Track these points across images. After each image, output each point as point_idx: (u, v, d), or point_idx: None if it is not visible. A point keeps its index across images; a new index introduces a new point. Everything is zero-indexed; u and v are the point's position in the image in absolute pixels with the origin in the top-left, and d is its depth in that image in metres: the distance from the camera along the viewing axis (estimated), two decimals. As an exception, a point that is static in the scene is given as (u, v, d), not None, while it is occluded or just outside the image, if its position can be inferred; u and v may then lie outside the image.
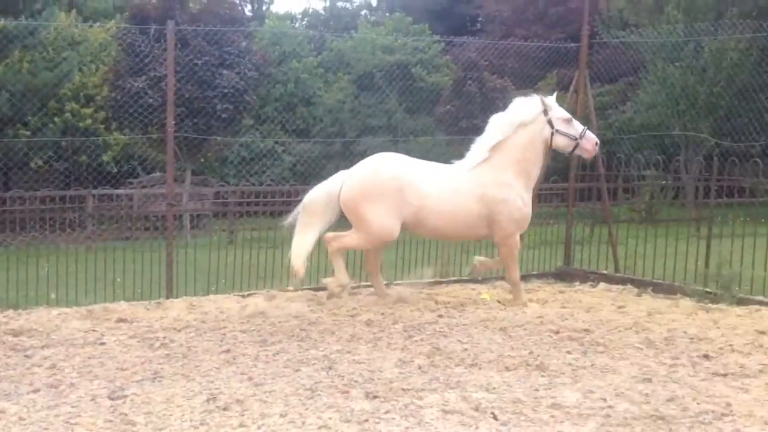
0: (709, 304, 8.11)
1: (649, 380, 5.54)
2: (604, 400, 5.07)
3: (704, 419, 4.75)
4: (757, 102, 20.21)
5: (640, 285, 9.16)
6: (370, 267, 8.45)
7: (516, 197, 7.96)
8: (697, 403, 5.04)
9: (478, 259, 8.71)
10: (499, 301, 8.35)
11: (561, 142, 8.07)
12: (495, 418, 4.72)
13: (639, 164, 12.09)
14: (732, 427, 4.62)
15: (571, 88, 10.62)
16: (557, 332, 6.94)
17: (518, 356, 6.13)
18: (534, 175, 8.13)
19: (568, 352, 6.31)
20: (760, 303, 7.99)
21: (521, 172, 7.97)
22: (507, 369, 5.82)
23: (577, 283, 9.61)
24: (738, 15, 19.98)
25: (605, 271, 9.80)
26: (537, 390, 5.28)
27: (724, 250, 8.87)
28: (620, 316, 7.61)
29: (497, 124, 8.11)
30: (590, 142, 8.08)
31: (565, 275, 10.02)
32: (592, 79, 11.35)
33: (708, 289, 8.50)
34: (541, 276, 10.04)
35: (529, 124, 8.00)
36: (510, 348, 6.41)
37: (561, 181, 11.39)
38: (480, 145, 8.11)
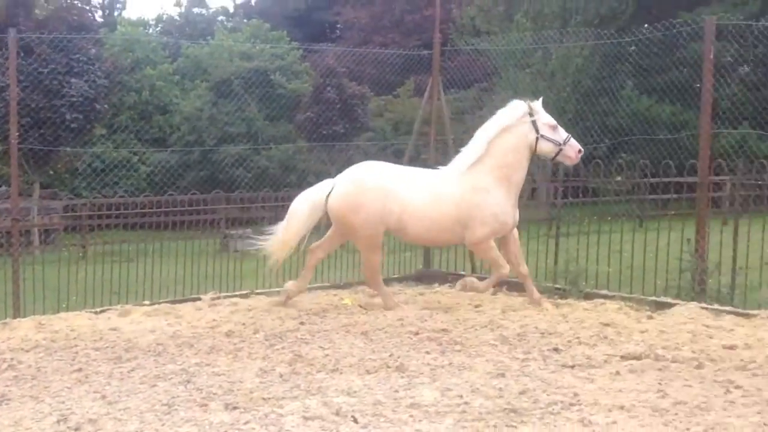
0: (559, 300, 8.48)
1: (503, 375, 5.73)
2: (461, 396, 5.21)
3: (553, 409, 4.96)
4: (601, 105, 21.37)
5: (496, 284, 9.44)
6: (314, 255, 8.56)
7: (492, 203, 7.94)
8: (547, 395, 5.26)
9: (470, 279, 8.64)
10: (360, 306, 8.42)
11: (545, 148, 8.01)
12: (355, 421, 4.77)
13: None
14: (579, 416, 4.85)
15: (426, 94, 10.86)
16: (417, 333, 7.08)
17: (379, 359, 6.21)
18: (516, 179, 8.05)
19: (427, 353, 6.44)
20: (605, 297, 8.42)
21: (502, 177, 7.96)
22: (368, 372, 5.88)
23: (437, 284, 9.82)
24: (582, 23, 21.09)
25: (463, 272, 10.07)
26: (397, 391, 5.37)
27: (571, 248, 9.31)
28: (477, 315, 7.83)
29: (483, 129, 8.14)
30: (573, 149, 7.99)
31: (425, 278, 10.22)
32: (448, 85, 11.65)
33: (557, 285, 8.90)
34: (402, 279, 10.20)
35: (514, 128, 7.98)
36: (371, 351, 6.48)
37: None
38: (465, 150, 8.18)
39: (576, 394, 5.26)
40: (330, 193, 8.11)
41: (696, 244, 8.47)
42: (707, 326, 7.14)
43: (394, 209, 7.95)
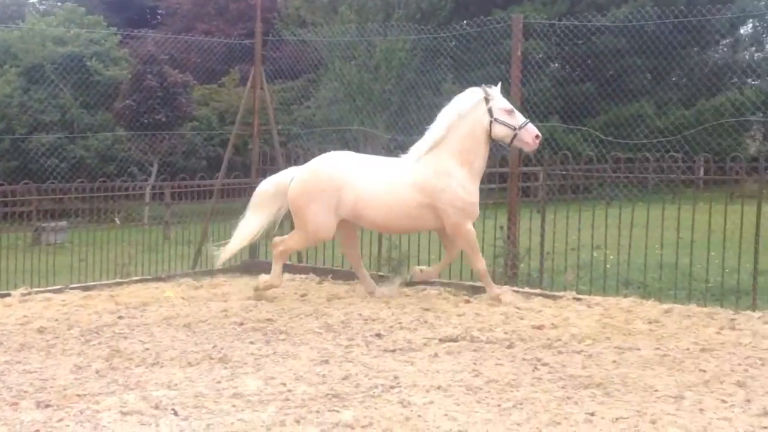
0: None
1: (327, 362, 5.83)
2: (284, 384, 5.24)
3: (374, 392, 5.10)
4: (425, 98, 22.00)
5: (322, 273, 9.55)
6: (351, 259, 8.67)
7: (457, 186, 7.83)
8: (369, 379, 5.40)
9: (420, 267, 8.59)
10: (183, 298, 8.26)
11: (499, 132, 7.88)
12: (175, 413, 4.69)
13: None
14: (398, 397, 5.02)
15: (248, 83, 10.77)
16: (241, 324, 7.05)
17: (201, 351, 6.13)
18: (477, 165, 7.96)
19: (252, 343, 6.43)
20: (426, 283, 8.72)
21: (463, 162, 7.88)
22: (190, 365, 5.80)
23: (263, 275, 9.77)
24: (404, 17, 21.60)
25: (289, 262, 10.08)
26: (219, 382, 5.32)
27: (395, 236, 9.55)
28: (302, 304, 7.90)
29: (441, 116, 8.08)
30: (530, 134, 7.84)
31: (251, 268, 10.13)
32: (274, 75, 11.60)
33: (381, 273, 9.11)
34: (227, 271, 10.07)
35: (470, 114, 7.92)
36: (193, 344, 6.39)
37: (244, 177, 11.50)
38: (424, 137, 8.10)
39: (396, 377, 5.43)
40: (291, 181, 8.21)
41: (508, 231, 8.93)
42: (518, 308, 7.57)
43: (349, 198, 7.95)
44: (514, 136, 7.85)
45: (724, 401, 5.04)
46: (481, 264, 7.96)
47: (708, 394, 5.17)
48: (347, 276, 9.22)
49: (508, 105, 7.94)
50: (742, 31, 27.56)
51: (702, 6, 15.98)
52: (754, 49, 28.29)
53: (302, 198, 8.04)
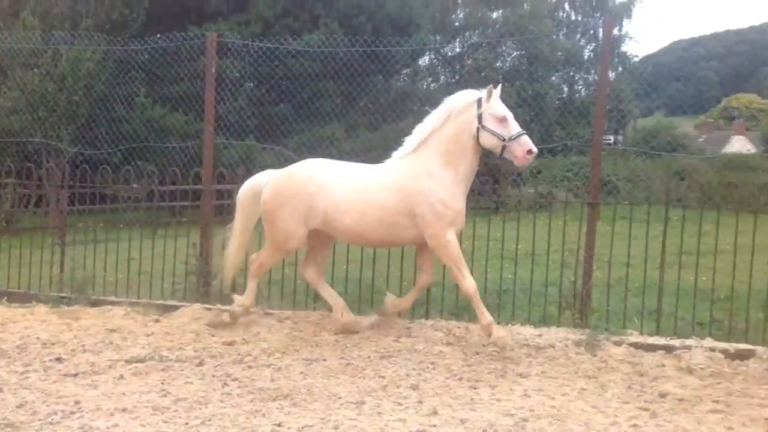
0: (64, 308, 8.22)
1: (0, 390, 5.40)
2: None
3: (53, 419, 4.83)
4: (116, 112, 21.18)
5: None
6: (308, 275, 7.76)
7: (438, 188, 6.96)
8: (47, 405, 5.10)
9: (390, 297, 7.66)
10: None
11: (487, 141, 6.99)
12: None
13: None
14: (80, 423, 4.79)
15: None
16: None
17: None
18: (463, 171, 7.05)
19: None
20: (112, 303, 8.40)
21: (448, 164, 7.03)
22: None
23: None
24: (93, 27, 20.63)
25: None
26: None
27: (79, 255, 9.08)
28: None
29: (429, 117, 7.28)
30: (522, 147, 6.85)
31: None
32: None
33: (63, 294, 8.61)
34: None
35: (458, 116, 7.08)
36: None
37: None
38: (409, 138, 7.32)
39: (78, 402, 5.18)
40: (267, 182, 7.54)
41: (201, 248, 8.89)
42: (208, 326, 7.56)
43: (320, 203, 7.21)
44: (503, 147, 6.92)
45: (399, 404, 5.46)
46: (468, 282, 6.89)
47: (386, 398, 5.57)
48: (24, 298, 8.59)
49: (501, 112, 6.97)
50: (420, 62, 30.01)
51: (386, 37, 17.18)
52: (431, 79, 30.91)
53: (274, 201, 7.34)
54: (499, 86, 7.07)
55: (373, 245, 7.70)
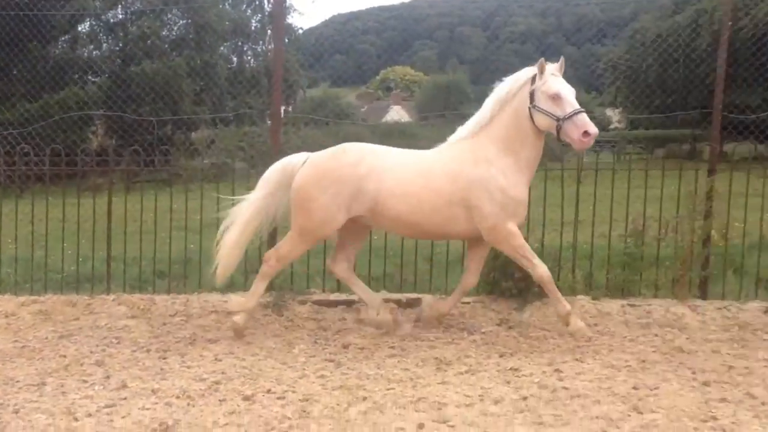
0: None
1: None
2: None
3: None
4: None
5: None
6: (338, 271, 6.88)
7: (497, 174, 6.25)
8: None
9: (428, 299, 7.02)
10: None
11: (541, 122, 6.23)
12: None
13: None
14: None
15: None
16: None
17: None
18: (525, 157, 6.32)
19: None
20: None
21: (507, 150, 6.33)
22: None
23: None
24: None
25: None
26: None
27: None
28: None
29: (489, 98, 6.50)
30: (577, 128, 6.00)
31: None
32: None
33: None
34: None
35: (514, 98, 6.35)
36: None
37: None
38: (467, 122, 6.56)
39: None
40: (303, 164, 6.56)
41: None
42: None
43: (370, 188, 6.33)
44: (558, 128, 6.17)
45: (85, 381, 5.30)
46: (541, 270, 6.29)
47: (69, 377, 5.37)
48: None
49: (555, 88, 6.18)
50: (80, 28, 28.26)
51: (43, 1, 15.94)
52: (92, 47, 29.26)
53: (315, 184, 6.39)
54: (561, 59, 6.39)
55: (424, 237, 6.99)
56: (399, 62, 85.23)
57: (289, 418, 4.69)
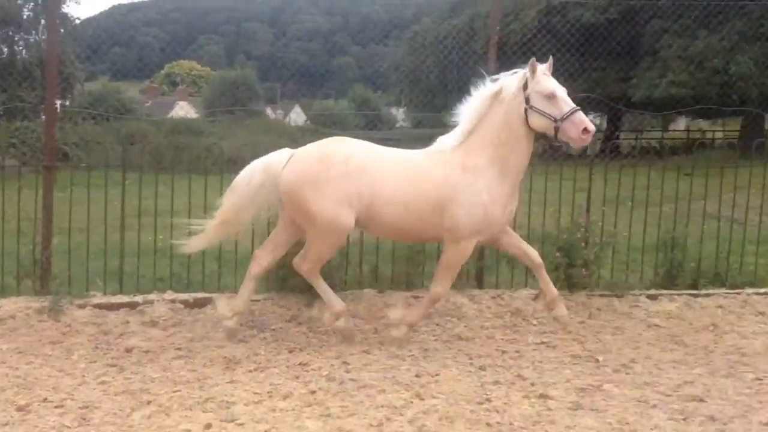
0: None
1: None
2: None
3: None
4: None
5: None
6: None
7: (481, 188, 6.11)
8: None
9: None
10: None
11: (537, 123, 6.11)
12: None
13: None
14: None
15: None
16: None
17: None
18: (513, 163, 6.20)
19: None
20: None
21: (496, 157, 6.19)
22: None
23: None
24: None
25: None
26: None
27: None
28: None
29: (472, 100, 6.31)
30: (576, 126, 5.93)
31: None
32: None
33: None
34: None
35: (506, 99, 6.19)
36: None
37: None
38: (456, 128, 6.34)
39: None
40: (287, 162, 6.22)
41: None
42: None
43: (364, 192, 6.06)
44: (556, 129, 6.01)
45: None
46: (441, 290, 6.31)
47: None
48: None
49: (549, 88, 6.04)
50: None
51: None
52: None
53: (304, 184, 6.06)
54: (551, 59, 6.26)
55: (404, 240, 7.11)
56: (184, 56, 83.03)
57: (68, 427, 4.49)
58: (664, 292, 7.76)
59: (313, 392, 5.08)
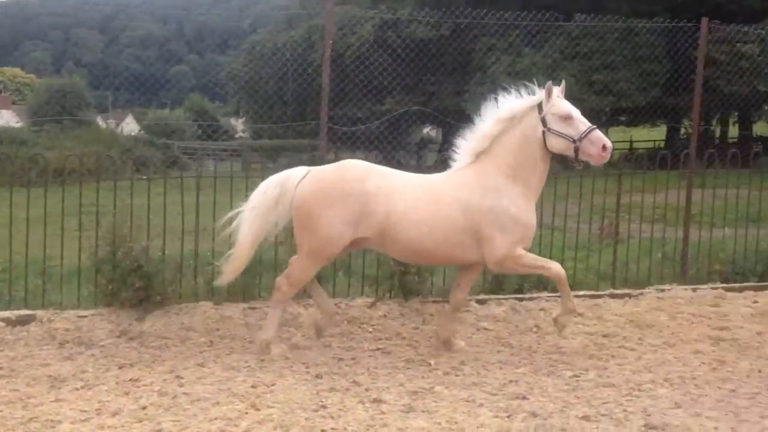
0: None
1: None
2: None
3: None
4: None
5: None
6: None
7: (509, 204, 6.16)
8: None
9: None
10: None
11: (556, 145, 6.21)
12: None
13: None
14: None
15: None
16: None
17: None
18: (534, 184, 6.30)
19: None
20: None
21: (516, 178, 6.22)
22: None
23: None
24: None
25: None
26: None
27: None
28: None
29: (486, 122, 6.30)
30: (594, 145, 6.13)
31: None
32: None
33: None
34: None
35: (521, 121, 6.25)
36: None
37: None
38: (465, 146, 6.37)
39: None
40: (302, 178, 6.23)
41: None
42: None
43: (378, 209, 6.05)
44: (576, 149, 6.17)
45: None
46: (556, 269, 6.37)
47: None
48: None
49: (565, 110, 6.21)
50: None
51: None
52: None
53: (316, 200, 6.14)
54: (563, 82, 6.44)
55: (428, 263, 7.18)
56: (8, 63, 78.54)
57: None
58: (492, 296, 8.11)
59: (144, 408, 4.96)
